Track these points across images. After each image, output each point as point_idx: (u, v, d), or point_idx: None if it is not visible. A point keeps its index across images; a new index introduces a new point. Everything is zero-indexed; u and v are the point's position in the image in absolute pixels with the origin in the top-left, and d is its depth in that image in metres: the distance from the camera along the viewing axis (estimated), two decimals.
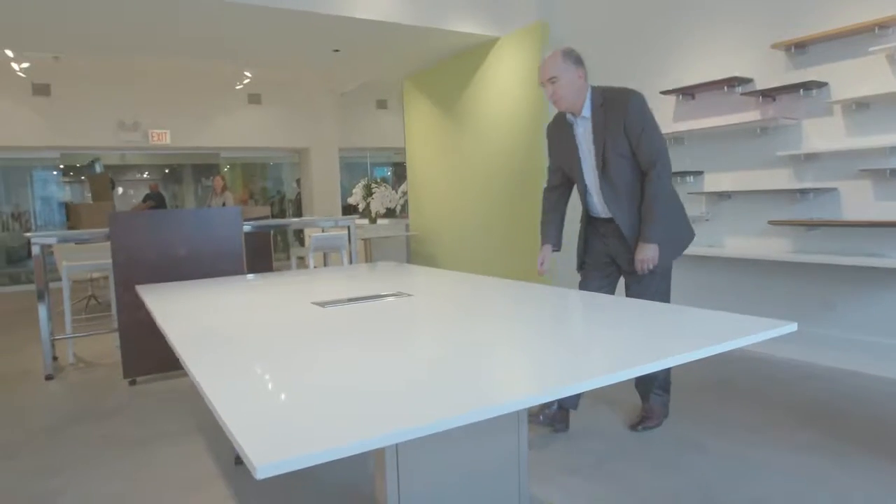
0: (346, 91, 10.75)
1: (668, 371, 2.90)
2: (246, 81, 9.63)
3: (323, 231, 6.22)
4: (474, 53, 6.22)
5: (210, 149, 10.87)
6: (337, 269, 3.61)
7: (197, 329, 1.81)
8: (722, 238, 4.31)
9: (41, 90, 8.92)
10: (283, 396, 1.16)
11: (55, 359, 4.84)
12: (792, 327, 1.55)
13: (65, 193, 15.22)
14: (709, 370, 3.77)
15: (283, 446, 0.90)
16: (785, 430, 2.81)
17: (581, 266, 2.87)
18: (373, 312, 1.95)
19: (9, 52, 7.38)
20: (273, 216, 13.36)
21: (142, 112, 9.58)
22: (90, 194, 11.48)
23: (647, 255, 2.54)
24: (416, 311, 1.96)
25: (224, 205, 10.12)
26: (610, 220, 2.67)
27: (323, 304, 2.09)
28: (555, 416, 2.82)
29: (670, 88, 4.44)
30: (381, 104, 11.68)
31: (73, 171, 14.97)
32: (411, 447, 1.56)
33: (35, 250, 4.27)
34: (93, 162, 11.57)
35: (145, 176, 15.95)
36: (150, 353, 3.97)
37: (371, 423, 0.99)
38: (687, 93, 4.39)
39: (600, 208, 2.68)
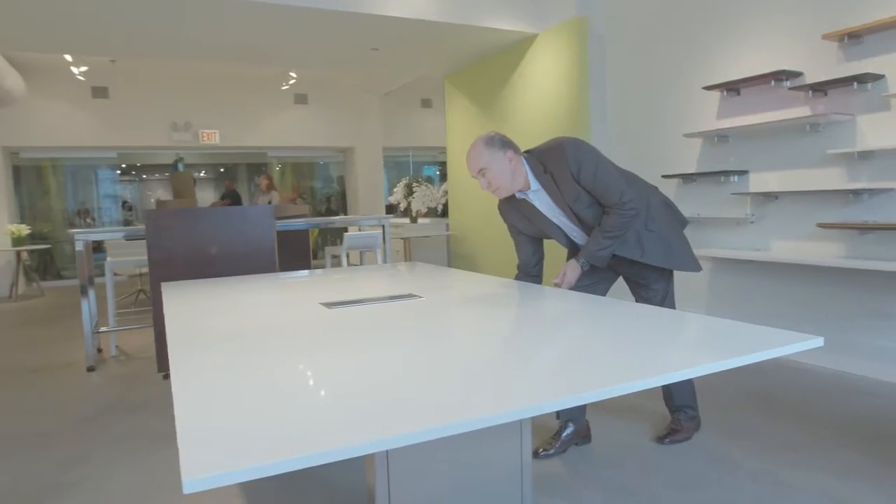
0: (389, 91, 10.79)
1: (690, 386, 2.75)
2: (291, 82, 9.78)
3: (360, 230, 6.23)
4: (513, 51, 6.12)
5: (258, 148, 11.11)
6: (358, 268, 3.59)
7: (198, 328, 1.80)
8: (768, 241, 4.08)
9: (100, 93, 9.30)
10: (255, 402, 1.11)
11: (99, 351, 5.03)
12: (818, 342, 1.40)
13: (127, 191, 15.88)
14: (747, 380, 3.57)
15: (232, 457, 0.85)
16: (823, 449, 2.62)
17: None
18: (376, 314, 1.90)
19: (67, 57, 7.71)
20: (322, 214, 13.60)
21: (193, 113, 9.86)
22: (167, 192, 11.95)
23: (570, 276, 2.38)
24: (417, 315, 1.90)
25: (270, 202, 10.34)
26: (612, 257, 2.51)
27: (329, 306, 2.06)
28: (569, 441, 2.68)
29: (714, 83, 4.23)
30: (426, 103, 11.67)
31: (135, 170, 15.59)
32: (401, 455, 1.50)
33: (78, 246, 4.43)
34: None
35: (202, 175, 16.51)
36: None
37: (344, 430, 0.94)
38: (731, 88, 4.17)
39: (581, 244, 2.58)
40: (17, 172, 10.20)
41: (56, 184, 12.65)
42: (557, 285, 2.40)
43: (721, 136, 4.28)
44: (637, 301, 2.63)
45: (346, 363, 1.36)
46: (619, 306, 1.90)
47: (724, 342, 1.44)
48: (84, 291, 4.46)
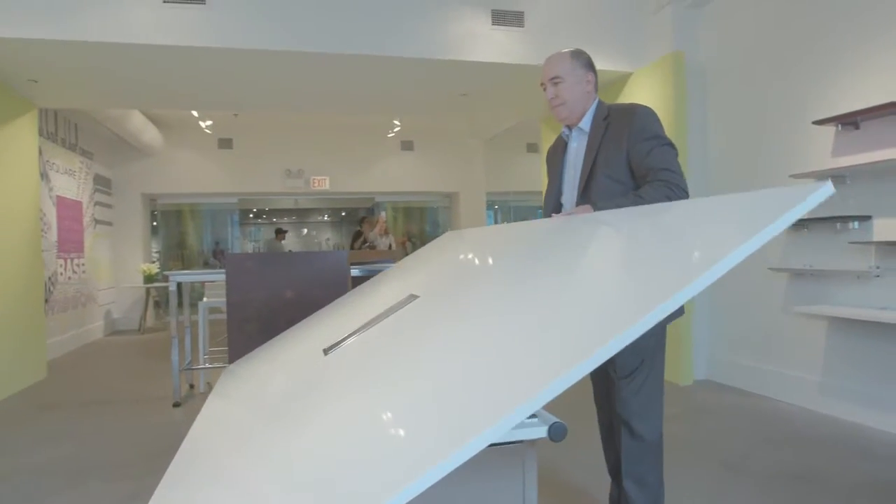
0: (493, 136, 10.80)
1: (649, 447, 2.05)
2: (396, 129, 10.07)
3: None
4: (607, 91, 5.85)
5: (365, 193, 11.50)
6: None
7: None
8: (895, 299, 3.46)
9: (225, 144, 10.12)
10: None
11: (191, 386, 5.26)
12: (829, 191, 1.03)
13: (261, 234, 17.11)
14: (784, 454, 2.96)
15: None
16: None
17: None
18: (363, 349, 1.71)
19: (194, 113, 8.46)
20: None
21: (305, 160, 10.43)
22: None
23: (580, 210, 1.93)
24: (396, 336, 1.69)
25: (390, 245, 10.54)
26: None
27: (328, 350, 1.90)
28: None
29: (826, 117, 3.73)
30: (532, 147, 11.54)
31: (266, 213, 16.75)
32: None
33: (171, 287, 4.69)
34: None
35: (325, 218, 17.47)
36: None
37: None
38: (848, 121, 3.65)
39: None
40: (156, 216, 11.29)
41: (194, 226, 13.82)
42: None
43: (837, 177, 3.73)
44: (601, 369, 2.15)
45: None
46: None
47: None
48: (175, 330, 4.69)
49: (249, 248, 15.90)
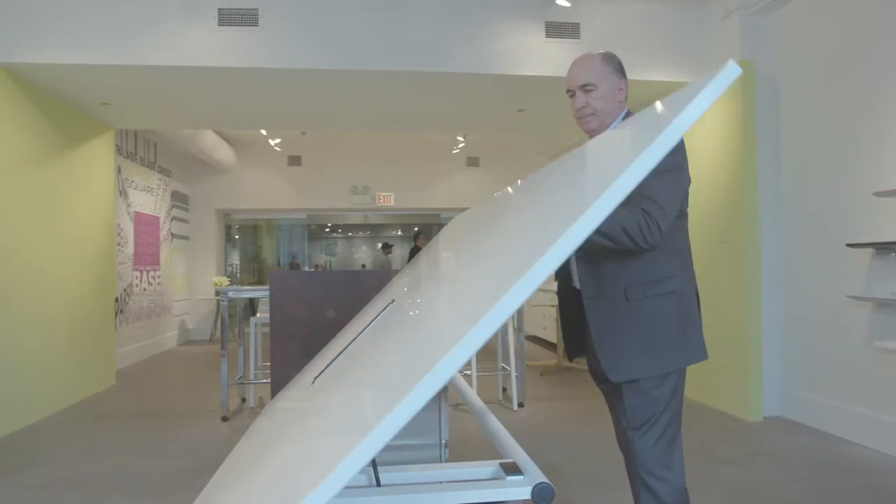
0: (561, 150, 10.53)
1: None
2: (461, 146, 10.01)
3: None
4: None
5: (430, 209, 11.49)
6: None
7: None
8: None
9: (294, 161, 10.41)
10: None
11: (243, 400, 5.33)
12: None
13: (336, 248, 17.57)
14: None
15: None
16: None
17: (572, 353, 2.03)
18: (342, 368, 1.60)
19: (263, 132, 8.74)
20: None
21: (371, 177, 10.56)
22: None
23: None
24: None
25: None
26: (579, 294, 1.86)
27: (315, 379, 1.80)
28: None
29: None
30: None
31: (340, 228, 17.13)
32: None
33: (223, 301, 4.79)
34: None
35: (398, 233, 17.70)
36: None
37: None
38: None
39: (573, 270, 1.90)
40: (236, 231, 11.77)
41: (268, 240, 14.31)
42: None
43: None
44: (614, 417, 1.91)
45: None
46: None
47: None
48: (223, 344, 4.77)
49: (322, 261, 16.31)
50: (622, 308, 1.75)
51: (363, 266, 16.23)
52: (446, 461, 2.66)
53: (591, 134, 1.92)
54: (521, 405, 4.95)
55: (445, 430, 2.67)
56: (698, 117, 0.85)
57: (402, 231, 17.32)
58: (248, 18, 4.54)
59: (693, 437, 3.99)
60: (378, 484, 1.26)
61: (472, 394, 2.19)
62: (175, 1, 4.44)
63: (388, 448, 2.19)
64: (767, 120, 4.57)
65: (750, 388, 4.43)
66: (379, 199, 10.57)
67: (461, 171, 10.87)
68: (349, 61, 4.68)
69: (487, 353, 6.75)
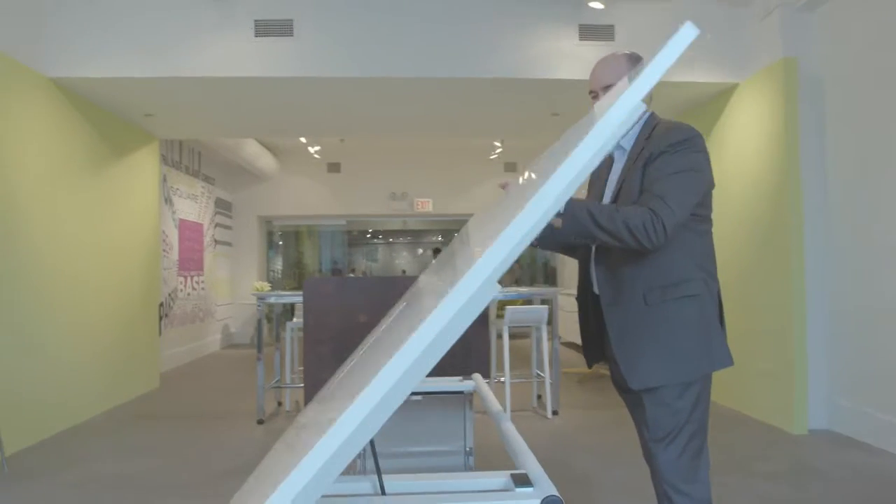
0: None
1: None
2: (498, 151, 9.98)
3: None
4: (708, 106, 5.38)
5: (468, 215, 11.46)
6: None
7: None
8: None
9: (333, 168, 10.56)
10: None
11: (279, 404, 5.41)
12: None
13: (377, 253, 17.76)
14: None
15: None
16: None
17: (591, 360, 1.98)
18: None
19: (303, 139, 8.90)
20: (534, 284, 13.46)
21: (409, 183, 10.62)
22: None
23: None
24: None
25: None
26: (598, 299, 1.83)
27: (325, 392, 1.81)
28: None
29: None
30: None
31: (381, 234, 17.31)
32: None
33: (259, 306, 4.87)
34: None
35: (438, 239, 17.76)
36: None
37: None
38: None
39: (592, 274, 1.86)
40: (279, 237, 12.01)
41: (310, 246, 14.54)
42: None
43: None
44: (638, 428, 1.86)
45: None
46: None
47: None
48: (259, 348, 4.86)
49: (364, 267, 16.47)
50: (641, 313, 1.71)
51: (403, 272, 16.31)
52: (471, 468, 2.63)
53: None
54: (555, 413, 4.88)
55: (470, 438, 2.65)
56: (656, 80, 0.85)
57: (441, 237, 17.37)
58: (283, 29, 4.63)
59: (731, 450, 3.85)
60: (383, 493, 1.25)
61: (492, 400, 2.16)
62: (212, 14, 4.57)
63: (409, 455, 2.21)
64: (811, 119, 4.39)
65: (794, 398, 4.25)
66: (417, 205, 10.62)
67: (499, 177, 10.82)
68: (382, 69, 4.71)
69: (522, 360, 6.69)
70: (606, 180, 1.90)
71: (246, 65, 4.65)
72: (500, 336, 4.98)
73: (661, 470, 1.72)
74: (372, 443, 1.19)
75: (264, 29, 4.62)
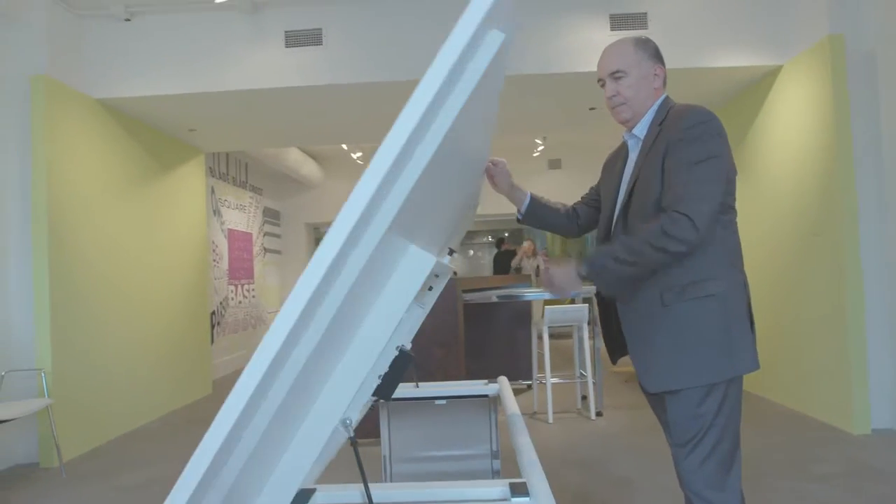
0: None
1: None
2: (541, 148, 9.84)
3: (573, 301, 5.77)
4: (750, 91, 5.14)
5: (513, 215, 11.34)
6: None
7: None
8: None
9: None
10: None
11: None
12: None
13: None
14: None
15: None
16: None
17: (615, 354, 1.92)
18: None
19: (344, 146, 9.01)
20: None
21: None
22: None
23: (558, 277, 1.65)
24: None
25: (538, 267, 10.38)
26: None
27: None
28: None
29: None
30: None
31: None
32: None
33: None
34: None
35: (489, 240, 17.71)
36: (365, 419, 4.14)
37: None
38: None
39: None
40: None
41: None
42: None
43: None
44: (664, 431, 1.82)
45: None
46: None
47: None
48: None
49: None
50: (657, 313, 1.63)
51: (455, 273, 16.30)
52: (497, 472, 2.59)
53: (626, 124, 1.80)
54: (599, 414, 4.76)
55: (496, 441, 2.61)
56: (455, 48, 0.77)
57: (490, 237, 17.28)
58: (313, 38, 4.69)
59: (785, 451, 3.65)
60: (370, 502, 1.23)
61: (511, 404, 2.12)
62: (244, 28, 4.68)
63: (434, 459, 2.19)
64: (863, 98, 4.13)
65: (854, 395, 4.00)
66: None
67: (544, 174, 10.68)
68: (413, 72, 4.71)
69: (566, 360, 6.57)
70: (622, 172, 1.83)
71: (279, 75, 4.73)
72: (540, 337, 4.89)
73: (684, 476, 1.64)
74: (356, 448, 1.18)
75: (294, 39, 4.70)
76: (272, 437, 0.86)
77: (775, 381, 4.89)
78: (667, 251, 1.52)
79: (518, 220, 2.18)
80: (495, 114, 1.53)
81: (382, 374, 1.58)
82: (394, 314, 0.98)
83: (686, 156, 1.58)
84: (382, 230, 0.78)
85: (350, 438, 1.17)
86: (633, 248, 1.55)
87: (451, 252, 1.95)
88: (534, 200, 2.08)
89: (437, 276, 1.76)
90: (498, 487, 1.33)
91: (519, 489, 1.30)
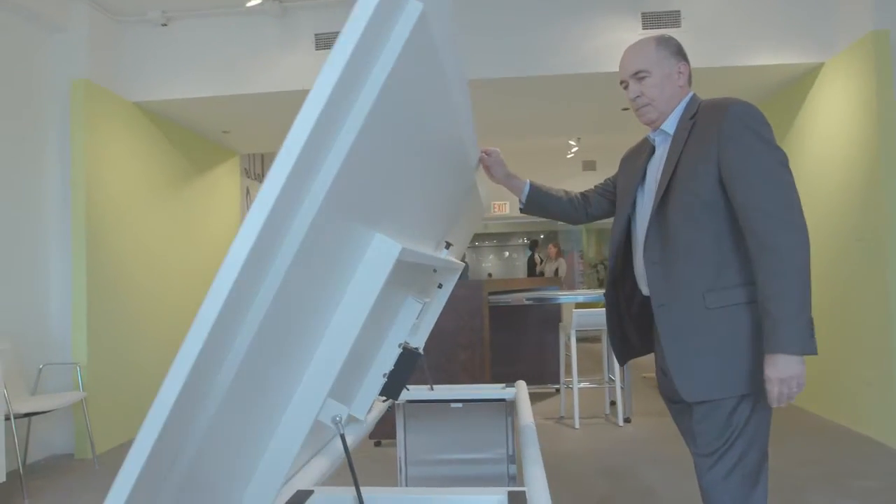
0: None
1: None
2: (574, 150, 9.74)
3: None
4: (789, 91, 4.97)
5: (546, 219, 11.27)
6: None
7: None
8: None
9: None
10: None
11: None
12: None
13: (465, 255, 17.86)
14: None
15: None
16: None
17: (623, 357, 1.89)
18: None
19: None
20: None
21: (485, 186, 10.54)
22: None
23: (780, 372, 1.40)
24: None
25: (557, 270, 10.31)
26: (629, 299, 1.74)
27: None
28: None
29: None
30: None
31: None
32: None
33: None
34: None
35: (524, 241, 17.62)
36: (388, 420, 4.14)
37: None
38: None
39: (639, 273, 1.71)
40: None
41: None
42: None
43: None
44: (686, 441, 1.72)
45: None
46: None
47: None
48: None
49: None
50: (700, 316, 1.53)
51: (489, 275, 16.23)
52: (513, 477, 2.55)
53: (651, 125, 1.74)
54: (627, 420, 4.66)
55: (512, 445, 2.57)
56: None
57: (526, 239, 17.17)
58: None
59: (823, 464, 3.50)
60: None
61: (525, 410, 2.08)
62: (275, 31, 4.74)
63: (450, 462, 2.17)
64: None
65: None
66: (494, 208, 10.55)
67: (578, 176, 10.55)
68: None
69: (596, 363, 6.46)
70: (643, 169, 1.77)
71: (309, 78, 4.77)
72: (568, 340, 4.82)
73: (708, 489, 1.56)
74: (347, 450, 1.16)
75: (325, 41, 4.75)
76: (236, 430, 0.85)
77: (815, 392, 4.69)
78: (802, 259, 1.45)
79: (520, 210, 2.15)
80: (468, 106, 1.49)
81: (387, 372, 1.56)
82: (363, 303, 0.96)
83: (747, 150, 1.54)
84: (314, 210, 0.76)
85: (341, 436, 1.15)
86: (788, 286, 1.43)
87: (447, 245, 1.92)
88: (534, 188, 2.05)
89: (434, 270, 1.73)
90: (497, 496, 1.30)
91: (517, 499, 1.26)
